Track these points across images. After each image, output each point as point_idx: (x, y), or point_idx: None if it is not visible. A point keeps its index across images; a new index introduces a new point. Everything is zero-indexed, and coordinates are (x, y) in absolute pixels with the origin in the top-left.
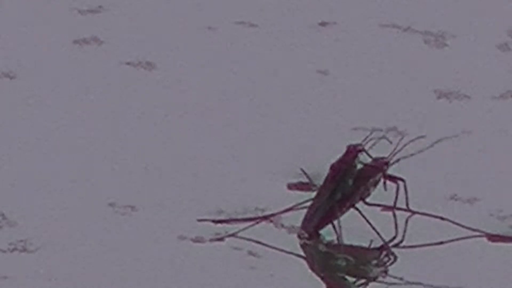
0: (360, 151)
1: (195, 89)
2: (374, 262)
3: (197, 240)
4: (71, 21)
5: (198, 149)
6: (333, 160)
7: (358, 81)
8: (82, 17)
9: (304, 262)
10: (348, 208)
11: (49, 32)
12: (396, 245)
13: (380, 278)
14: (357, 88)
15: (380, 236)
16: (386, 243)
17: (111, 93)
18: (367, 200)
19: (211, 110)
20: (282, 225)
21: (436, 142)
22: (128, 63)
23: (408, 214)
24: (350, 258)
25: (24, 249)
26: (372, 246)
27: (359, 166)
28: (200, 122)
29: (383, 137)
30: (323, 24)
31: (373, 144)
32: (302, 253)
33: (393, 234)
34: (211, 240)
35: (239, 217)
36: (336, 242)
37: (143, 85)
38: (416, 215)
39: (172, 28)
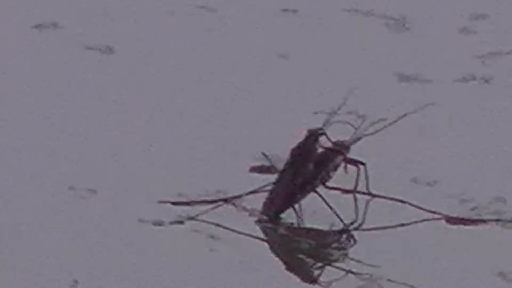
0: (320, 134)
1: (155, 73)
2: (335, 245)
3: (157, 223)
4: (30, 6)
5: (158, 131)
6: (294, 144)
7: (319, 65)
8: (42, 2)
9: (265, 245)
10: (308, 192)
11: (9, 17)
12: (356, 228)
13: (340, 261)
14: (318, 72)
15: (341, 219)
16: (346, 226)
17: (70, 78)
18: (328, 183)
19: (171, 93)
20: (244, 208)
21: (393, 122)
22: (87, 48)
23: (369, 197)
24: (311, 241)
25: None
26: (332, 229)
27: (320, 150)
28: (160, 105)
29: (344, 121)
30: (285, 10)
31: (333, 127)
32: (262, 236)
33: (354, 218)
34: (171, 223)
35: (201, 199)
36: (296, 225)
37: (102, 69)
38: (377, 198)
39: (132, 12)
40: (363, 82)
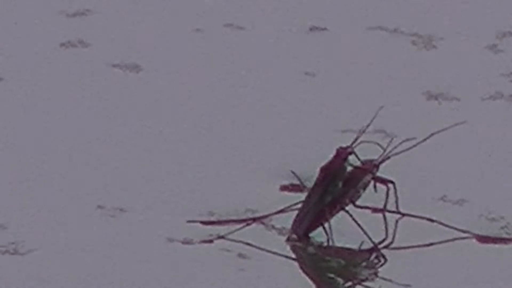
0: (349, 153)
1: (183, 91)
2: (364, 264)
3: (187, 242)
4: (58, 24)
5: (188, 150)
6: (323, 163)
7: (347, 84)
8: (69, 20)
9: (294, 264)
10: (338, 211)
11: (37, 35)
12: (386, 247)
13: (370, 280)
14: (346, 91)
15: (370, 238)
16: (376, 245)
17: (98, 96)
18: (357, 202)
19: (201, 112)
20: (273, 227)
21: (422, 141)
22: (114, 66)
23: (398, 216)
24: (340, 260)
25: (16, 252)
26: (362, 248)
27: (349, 168)
28: (190, 123)
29: (373, 141)
30: (312, 28)
31: (361, 146)
32: (292, 255)
33: (383, 236)
34: (200, 242)
35: (230, 218)
36: (326, 244)
37: (130, 87)
38: (406, 217)
39: (159, 30)
40: (390, 100)
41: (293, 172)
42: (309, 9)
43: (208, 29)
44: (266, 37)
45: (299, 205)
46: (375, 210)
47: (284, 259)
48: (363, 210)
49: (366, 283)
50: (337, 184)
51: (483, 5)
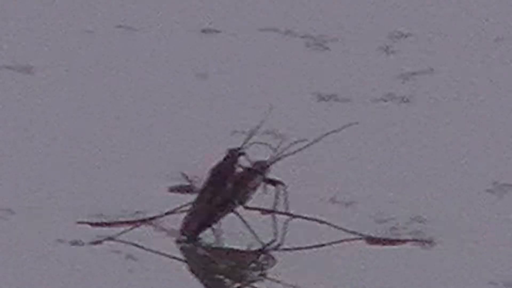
0: (240, 154)
1: (73, 92)
2: (253, 265)
3: (76, 243)
4: None
5: (77, 151)
6: (213, 164)
7: (238, 85)
8: None
9: (183, 265)
10: (227, 212)
11: None
12: (275, 248)
13: (259, 282)
14: (237, 92)
15: (259, 240)
16: (264, 246)
17: None
18: (247, 204)
19: (91, 113)
20: (162, 228)
21: (313, 142)
22: (7, 67)
23: (288, 217)
24: (229, 262)
25: None
26: (251, 249)
27: (239, 169)
28: (80, 125)
29: (263, 142)
30: (204, 30)
31: (252, 147)
32: (181, 257)
33: (273, 238)
34: (90, 243)
35: (119, 220)
36: (215, 245)
37: (21, 89)
38: (296, 218)
39: (50, 31)
40: (282, 101)
41: (182, 173)
42: (202, 11)
43: (100, 30)
44: (158, 38)
45: (189, 207)
46: (264, 211)
47: (174, 260)
48: (253, 211)
49: (255, 285)
50: (227, 185)
51: (375, 7)
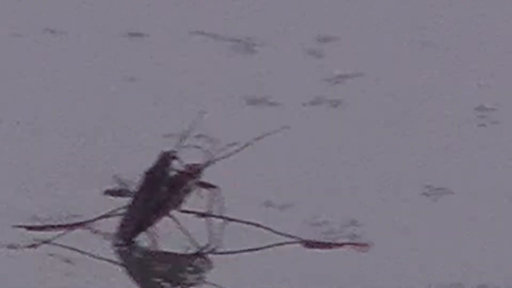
0: (173, 157)
1: (4, 96)
2: (191, 268)
3: (12, 246)
4: None
5: (12, 155)
6: (147, 167)
7: (167, 88)
8: None
9: (121, 268)
10: (162, 215)
11: None
12: (211, 252)
13: (196, 285)
14: (166, 95)
15: (194, 243)
16: (200, 250)
17: None
18: (182, 207)
19: (22, 116)
20: (98, 232)
21: (245, 146)
22: None
23: (223, 221)
24: (166, 265)
25: None
26: (187, 252)
27: (172, 173)
28: (12, 128)
29: (195, 145)
30: (132, 34)
31: (185, 151)
32: (118, 260)
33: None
34: (25, 246)
35: (54, 223)
36: (152, 249)
37: None
38: (233, 222)
39: None
40: (212, 105)
41: (116, 176)
42: (130, 14)
43: (27, 34)
44: (86, 42)
45: (124, 210)
46: (199, 214)
47: (111, 264)
48: (188, 214)
49: None
50: (161, 188)
51: (303, 10)
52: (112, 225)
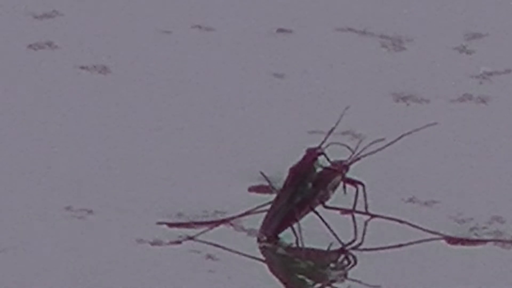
0: (319, 154)
1: (151, 93)
2: (333, 265)
3: (156, 243)
4: (26, 25)
5: (157, 151)
6: (292, 164)
7: (315, 85)
8: (37, 22)
9: (263, 265)
10: (307, 212)
11: (4, 36)
12: (355, 248)
13: (339, 281)
14: (314, 92)
15: (339, 239)
16: (344, 246)
17: (66, 98)
18: (327, 203)
19: (168, 113)
20: (242, 228)
21: (392, 142)
22: (83, 67)
23: (367, 217)
24: (309, 261)
25: None
26: (331, 249)
27: (319, 169)
28: (157, 125)
29: (342, 142)
30: (280, 30)
31: (331, 147)
32: (261, 257)
33: (353, 238)
34: (169, 243)
35: (199, 220)
36: (295, 245)
37: (98, 89)
38: (376, 218)
39: (127, 32)
40: (359, 102)
41: (262, 173)
42: (278, 11)
43: (177, 31)
44: (234, 38)
45: (268, 206)
46: (344, 211)
47: (254, 260)
48: (332, 211)
49: (335, 284)
50: (307, 185)
51: (452, 6)
52: (257, 221)
